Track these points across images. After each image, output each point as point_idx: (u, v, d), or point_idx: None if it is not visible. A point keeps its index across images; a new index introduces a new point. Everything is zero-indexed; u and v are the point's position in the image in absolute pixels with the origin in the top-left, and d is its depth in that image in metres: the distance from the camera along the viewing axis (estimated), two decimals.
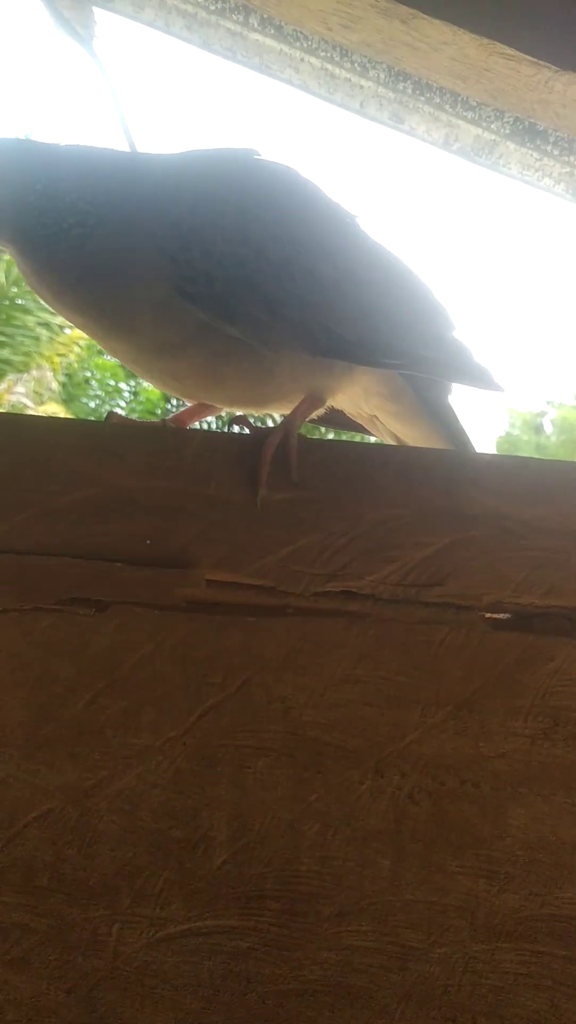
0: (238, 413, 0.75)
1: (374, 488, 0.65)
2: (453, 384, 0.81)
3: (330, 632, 0.63)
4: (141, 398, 9.09)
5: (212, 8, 1.25)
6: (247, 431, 0.70)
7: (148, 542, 0.63)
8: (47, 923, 0.60)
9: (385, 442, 0.86)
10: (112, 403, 9.15)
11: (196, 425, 0.79)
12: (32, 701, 0.62)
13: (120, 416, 0.68)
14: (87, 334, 0.75)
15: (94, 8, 1.27)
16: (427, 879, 0.61)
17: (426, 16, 0.83)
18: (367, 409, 0.82)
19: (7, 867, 0.61)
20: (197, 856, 0.61)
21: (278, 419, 0.73)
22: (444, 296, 0.80)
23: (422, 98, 1.23)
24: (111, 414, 0.68)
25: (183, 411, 0.78)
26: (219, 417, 0.89)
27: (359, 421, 0.85)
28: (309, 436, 0.68)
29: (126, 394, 9.38)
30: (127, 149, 1.34)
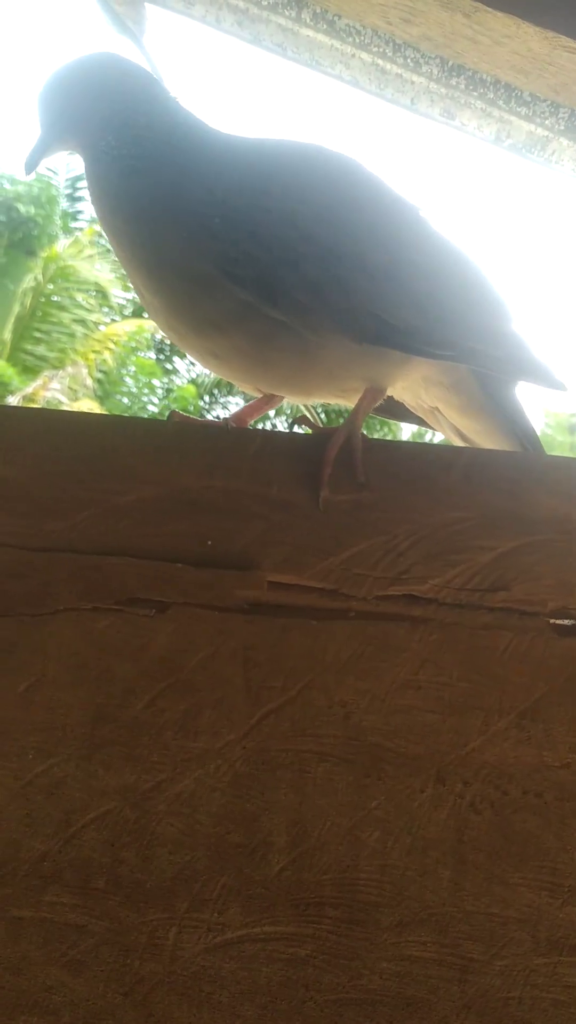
0: (302, 413, 0.74)
1: (438, 490, 0.64)
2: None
3: (392, 636, 0.62)
4: (174, 395, 9.13)
5: (264, 3, 1.24)
6: (309, 431, 0.70)
7: (209, 543, 0.63)
8: (104, 925, 0.60)
9: (446, 436, 0.84)
10: (146, 399, 9.20)
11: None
12: (91, 701, 0.62)
13: (182, 415, 0.67)
14: (126, 271, 0.76)
15: (146, 4, 1.27)
16: (488, 890, 0.60)
17: (490, 9, 0.82)
18: (428, 400, 0.80)
19: (64, 868, 0.60)
20: (255, 861, 0.60)
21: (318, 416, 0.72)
22: (504, 288, 0.77)
23: (475, 93, 1.21)
24: (173, 413, 0.67)
25: (243, 409, 0.77)
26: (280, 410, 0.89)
27: (419, 414, 0.83)
28: (372, 437, 0.66)
29: (159, 391, 9.43)
30: None
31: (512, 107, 1.21)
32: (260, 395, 0.77)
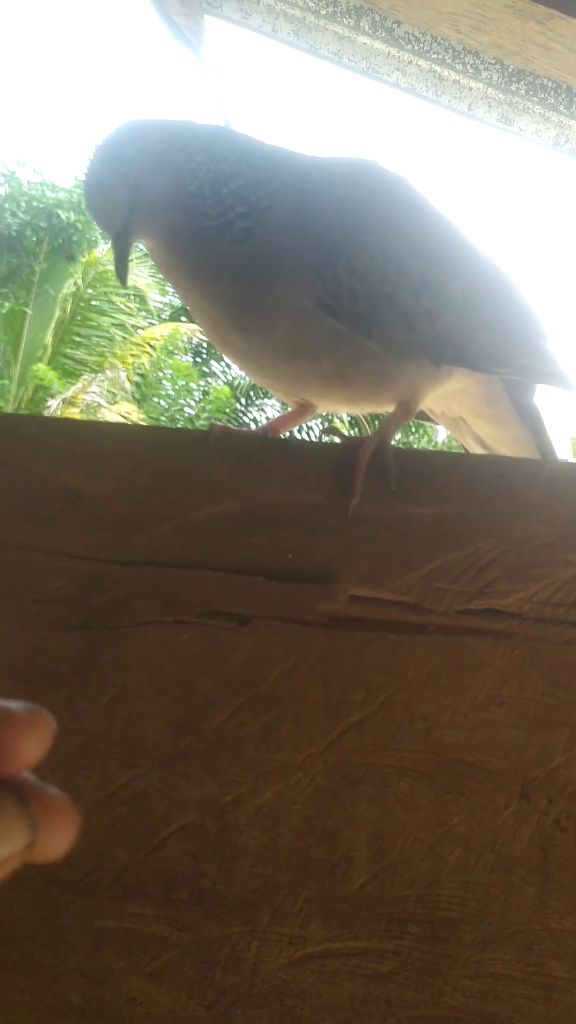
0: (335, 421, 0.74)
1: (521, 504, 0.63)
2: (537, 385, 0.81)
3: (474, 651, 0.62)
4: (211, 397, 9.16)
5: (322, 12, 1.24)
6: (338, 440, 0.70)
7: (290, 556, 0.63)
8: (186, 937, 0.60)
9: (465, 444, 0.85)
10: (183, 402, 9.25)
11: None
12: (172, 714, 0.62)
13: (223, 427, 0.67)
14: (205, 325, 0.73)
15: (204, 15, 1.27)
16: (574, 909, 0.59)
17: (565, 16, 0.81)
18: (457, 410, 0.82)
19: (147, 879, 0.61)
20: (337, 876, 0.60)
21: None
22: (538, 303, 0.80)
23: (534, 99, 1.20)
24: (213, 426, 0.67)
25: (277, 419, 0.76)
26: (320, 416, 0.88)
27: (441, 422, 0.85)
28: (453, 450, 0.66)
29: (196, 394, 9.47)
30: None
31: (573, 112, 1.20)
32: (296, 405, 0.77)
